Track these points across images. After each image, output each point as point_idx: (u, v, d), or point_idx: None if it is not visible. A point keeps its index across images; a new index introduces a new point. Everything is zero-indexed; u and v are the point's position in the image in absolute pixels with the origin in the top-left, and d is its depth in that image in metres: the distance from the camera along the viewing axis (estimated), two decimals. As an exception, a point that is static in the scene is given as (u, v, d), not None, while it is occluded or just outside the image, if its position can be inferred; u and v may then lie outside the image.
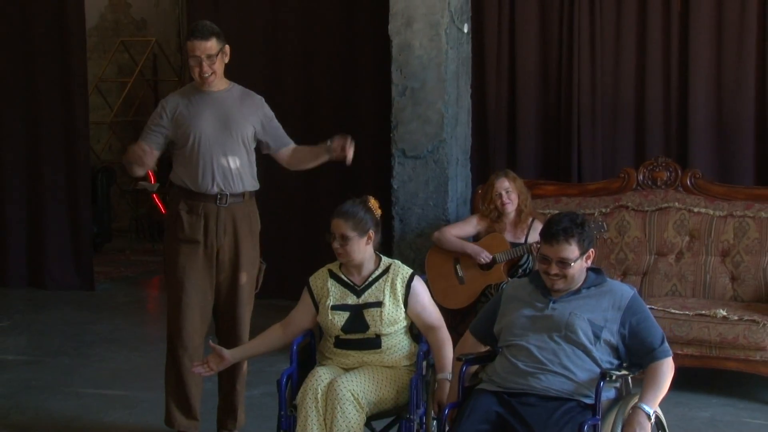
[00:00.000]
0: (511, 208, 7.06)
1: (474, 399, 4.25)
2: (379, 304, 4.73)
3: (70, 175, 10.45)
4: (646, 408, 4.07)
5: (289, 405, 4.64)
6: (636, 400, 4.14)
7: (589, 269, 4.39)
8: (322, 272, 4.92)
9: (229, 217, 5.60)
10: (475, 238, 7.23)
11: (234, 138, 5.57)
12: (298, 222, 9.74)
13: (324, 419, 4.50)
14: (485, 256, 6.96)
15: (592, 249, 4.34)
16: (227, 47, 5.61)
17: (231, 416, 5.82)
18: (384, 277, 4.81)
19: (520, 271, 6.99)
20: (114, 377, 7.30)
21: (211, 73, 5.53)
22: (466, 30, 8.07)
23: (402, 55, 7.89)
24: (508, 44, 8.44)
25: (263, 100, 5.80)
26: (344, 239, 4.73)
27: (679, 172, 7.43)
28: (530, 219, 7.12)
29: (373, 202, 4.92)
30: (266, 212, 9.76)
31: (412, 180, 7.91)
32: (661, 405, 6.35)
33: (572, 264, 4.26)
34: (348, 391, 4.49)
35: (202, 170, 5.55)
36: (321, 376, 4.59)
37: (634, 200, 7.45)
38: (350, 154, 5.67)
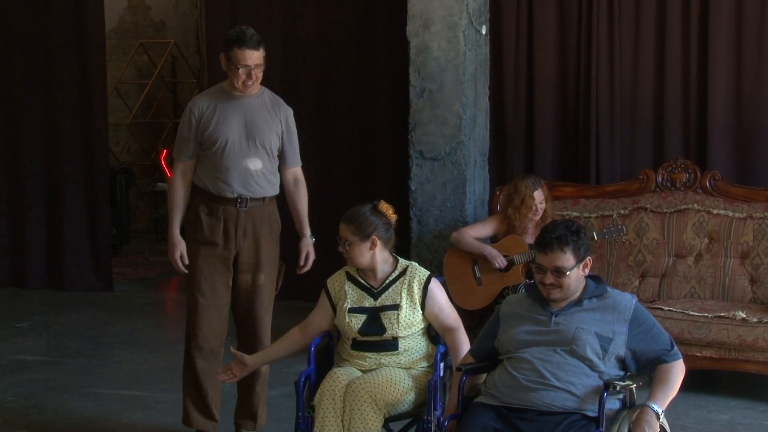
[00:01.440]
0: (539, 216, 7.07)
1: (472, 413, 4.18)
2: (396, 307, 4.74)
3: (89, 176, 10.49)
4: (655, 407, 4.04)
5: (306, 406, 4.65)
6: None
7: (588, 277, 4.32)
8: (340, 274, 4.95)
9: (249, 220, 5.63)
10: (493, 239, 7.23)
11: (258, 144, 5.59)
12: (316, 224, 9.68)
13: (342, 420, 4.51)
14: (500, 261, 6.96)
15: (589, 257, 4.27)
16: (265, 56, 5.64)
17: (250, 417, 5.83)
18: (401, 280, 4.82)
19: (538, 272, 6.98)
20: (132, 378, 7.33)
21: (255, 81, 5.60)
22: (484, 32, 8.06)
23: (420, 57, 7.90)
24: (526, 46, 8.44)
25: (291, 112, 5.84)
26: (346, 243, 4.82)
27: (698, 173, 7.41)
28: (549, 220, 7.10)
29: (385, 206, 4.93)
30: (284, 214, 9.86)
31: (430, 182, 7.91)
32: (679, 407, 6.39)
33: (568, 273, 4.18)
34: (366, 392, 4.50)
35: (224, 174, 5.57)
36: (339, 377, 4.61)
37: (652, 202, 7.43)
38: (306, 268, 5.80)
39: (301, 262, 5.85)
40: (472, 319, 6.84)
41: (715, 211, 7.26)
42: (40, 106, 10.49)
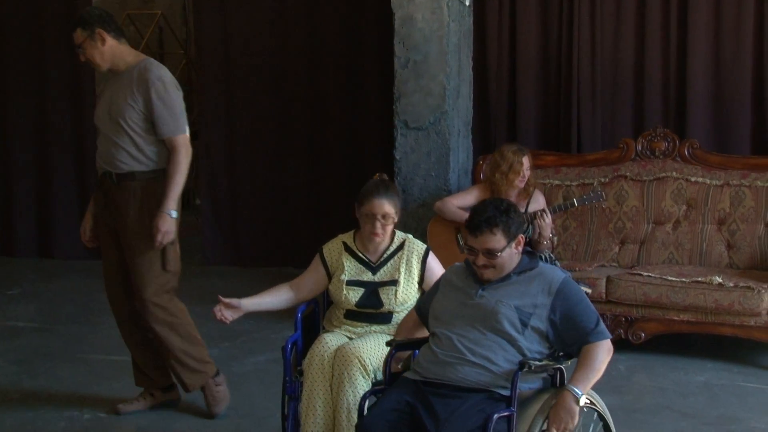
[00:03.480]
0: (524, 184, 7.15)
1: (391, 388, 4.10)
2: (394, 282, 4.78)
3: (78, 144, 10.53)
4: (576, 390, 3.84)
5: (293, 371, 4.69)
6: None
7: (523, 252, 4.19)
8: (337, 243, 4.93)
9: (120, 196, 5.60)
10: (477, 208, 7.31)
11: (115, 119, 5.54)
12: (303, 194, 9.85)
13: (330, 385, 4.57)
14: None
15: (521, 234, 4.12)
16: (99, 31, 5.53)
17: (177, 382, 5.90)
18: (399, 254, 4.84)
19: (520, 239, 7.08)
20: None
21: (85, 61, 5.64)
22: (467, 3, 8.14)
23: (404, 28, 7.96)
24: (509, 17, 8.53)
25: (159, 82, 5.52)
26: (386, 219, 4.75)
27: (677, 142, 7.53)
28: (531, 189, 7.20)
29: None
30: (273, 185, 9.99)
31: (415, 151, 8.00)
32: (657, 370, 6.56)
33: (499, 254, 4.04)
34: (355, 356, 4.54)
35: (98, 151, 5.66)
36: (328, 342, 4.65)
37: (632, 170, 7.56)
38: (157, 244, 5.57)
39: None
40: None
41: (693, 179, 7.39)
42: (28, 76, 10.51)
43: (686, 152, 7.48)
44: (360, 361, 4.53)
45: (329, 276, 4.87)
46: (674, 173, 7.43)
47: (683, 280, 6.73)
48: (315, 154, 9.73)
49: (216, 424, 5.66)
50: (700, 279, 6.71)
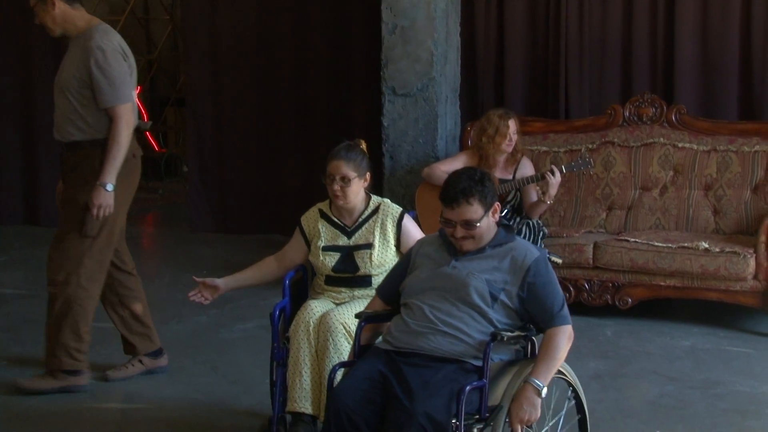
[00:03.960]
0: (511, 148, 7.14)
1: (363, 359, 4.07)
2: (369, 246, 4.79)
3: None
4: (537, 382, 3.80)
5: (281, 337, 4.72)
6: (530, 370, 3.90)
7: (500, 225, 4.15)
8: (313, 212, 4.95)
9: (67, 163, 5.62)
10: (464, 174, 7.30)
11: (59, 86, 5.55)
12: (291, 160, 9.84)
13: (316, 350, 4.59)
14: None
15: (496, 203, 4.09)
16: None
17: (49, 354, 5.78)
18: (374, 218, 4.86)
19: (508, 206, 7.10)
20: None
21: (40, 24, 5.63)
22: (455, -32, 8.13)
23: (392, -7, 7.95)
24: (497, -18, 8.51)
25: (100, 51, 5.47)
26: (345, 181, 4.73)
27: (665, 108, 7.54)
28: (519, 155, 7.20)
29: (364, 145, 4.94)
30: (260, 152, 9.98)
31: (402, 118, 8.00)
32: (644, 335, 6.61)
33: (477, 224, 4.01)
34: (339, 323, 4.57)
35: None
36: (313, 308, 4.67)
37: (620, 136, 7.57)
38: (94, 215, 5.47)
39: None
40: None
41: (680, 145, 7.41)
42: (12, 43, 10.47)
43: (674, 118, 7.49)
44: (344, 327, 4.57)
45: (308, 244, 4.89)
46: (661, 139, 7.45)
47: (670, 245, 6.77)
48: (302, 120, 9.72)
49: (206, 390, 5.68)
50: (686, 244, 6.74)
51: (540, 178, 6.89)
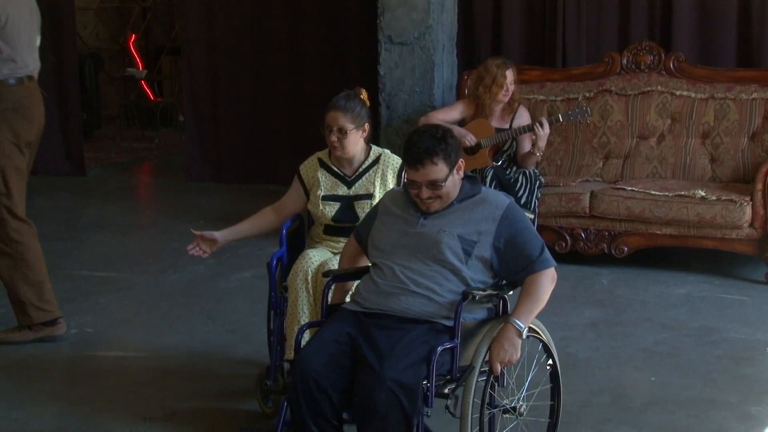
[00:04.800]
0: (508, 98, 7.12)
1: (330, 320, 3.96)
2: (369, 196, 4.78)
3: (58, 61, 10.47)
4: (519, 323, 3.74)
5: (279, 286, 4.72)
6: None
7: (464, 178, 4.01)
8: (312, 161, 4.92)
9: None
10: (461, 123, 7.29)
11: None
12: (286, 110, 9.83)
13: (314, 299, 4.58)
14: (470, 139, 7.02)
15: (460, 159, 3.94)
16: None
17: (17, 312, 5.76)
18: (374, 168, 4.84)
19: (504, 156, 7.10)
20: (107, 260, 7.46)
21: None
22: None
23: (388, -60, 7.89)
24: (495, -74, 8.45)
25: None
26: (342, 132, 4.70)
27: (663, 55, 7.52)
28: (516, 105, 7.19)
29: (365, 94, 4.90)
30: (255, 102, 9.97)
31: (399, 67, 7.98)
32: (639, 283, 6.64)
33: (443, 184, 3.87)
34: (337, 271, 4.59)
35: None
36: (311, 258, 4.67)
37: (617, 84, 7.55)
38: None
39: None
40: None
41: (678, 93, 7.40)
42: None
43: (671, 66, 7.47)
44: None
45: (307, 194, 4.88)
46: (659, 87, 7.44)
47: (666, 194, 6.78)
48: (297, 70, 9.68)
49: (203, 339, 5.72)
50: (683, 193, 6.76)
51: (530, 129, 6.89)
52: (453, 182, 3.92)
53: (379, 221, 4.10)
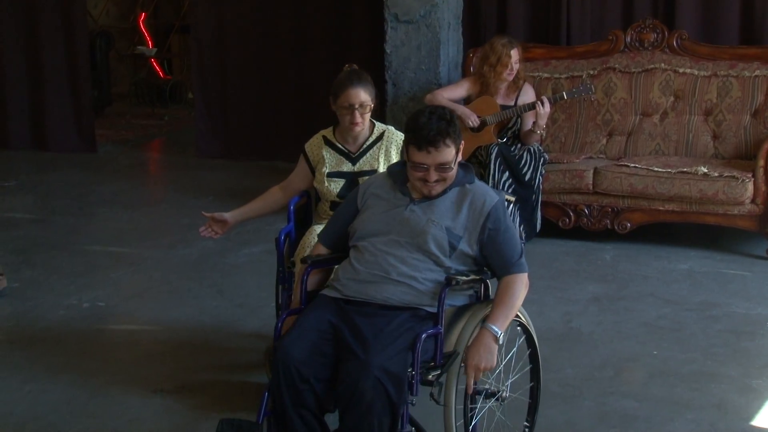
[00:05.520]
0: (513, 77, 7.17)
1: (310, 308, 3.85)
2: (373, 172, 4.78)
3: (69, 39, 10.54)
4: (495, 329, 3.64)
5: (287, 261, 4.75)
6: (486, 311, 3.76)
7: (458, 165, 3.92)
8: (317, 139, 4.94)
9: None
10: (466, 101, 7.34)
11: None
12: (292, 88, 9.88)
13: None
14: (473, 120, 7.08)
15: (462, 141, 3.89)
16: None
17: None
18: (378, 144, 4.85)
19: (509, 133, 7.16)
20: (118, 236, 7.55)
21: None
22: None
23: None
24: None
25: None
26: (363, 107, 4.70)
27: (666, 33, 7.56)
28: (521, 82, 7.24)
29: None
30: (263, 80, 10.02)
31: (405, 44, 8.01)
32: (642, 259, 6.72)
33: (453, 165, 3.82)
34: (344, 248, 4.64)
35: None
36: (318, 233, 4.75)
37: (621, 62, 7.60)
38: None
39: None
40: (445, 177, 6.99)
41: (681, 70, 7.45)
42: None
43: (675, 43, 7.52)
44: (349, 252, 4.62)
45: (312, 171, 4.91)
46: (663, 65, 7.49)
47: (669, 170, 6.83)
48: (304, 47, 9.73)
49: (213, 313, 5.80)
50: (685, 169, 6.81)
51: (532, 107, 6.95)
52: (457, 165, 3.87)
53: (364, 207, 3.99)
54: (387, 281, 3.77)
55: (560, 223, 7.12)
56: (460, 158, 3.88)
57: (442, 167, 3.79)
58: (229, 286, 6.26)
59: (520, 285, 3.79)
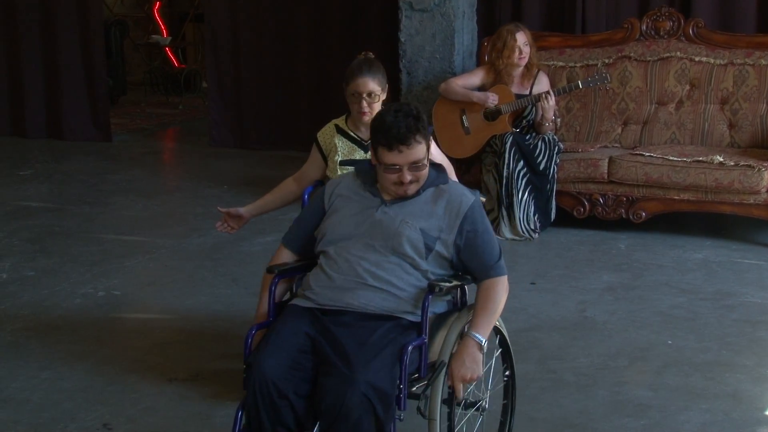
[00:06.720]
0: (524, 62, 7.17)
1: (284, 319, 3.62)
2: None
3: (84, 28, 10.56)
4: (478, 337, 3.50)
5: None
6: (469, 318, 3.62)
7: (429, 164, 3.76)
8: (329, 127, 4.91)
9: None
10: (481, 90, 7.31)
11: None
12: (306, 77, 9.89)
13: None
14: (493, 99, 7.06)
15: (430, 136, 3.73)
16: None
17: None
18: None
19: (525, 122, 7.15)
20: (133, 224, 7.56)
21: None
22: None
23: None
24: None
25: None
26: (372, 96, 4.65)
27: (682, 21, 7.53)
28: (536, 71, 7.24)
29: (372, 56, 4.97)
30: (278, 68, 10.02)
31: (419, 33, 8.00)
32: (657, 248, 6.71)
33: (425, 162, 3.66)
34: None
35: None
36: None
37: (636, 50, 7.58)
38: None
39: None
40: (460, 167, 7.00)
41: (697, 59, 7.42)
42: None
43: (691, 31, 7.49)
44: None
45: (325, 160, 4.89)
46: (678, 53, 7.46)
47: (684, 159, 6.82)
48: (319, 36, 9.73)
49: (227, 302, 5.82)
50: (701, 158, 6.79)
51: (539, 100, 6.95)
52: (427, 162, 3.71)
53: (332, 209, 3.81)
54: (364, 287, 3.59)
55: (575, 213, 7.11)
56: (431, 155, 3.75)
57: (415, 165, 3.63)
58: (243, 275, 6.27)
59: (501, 289, 3.64)
